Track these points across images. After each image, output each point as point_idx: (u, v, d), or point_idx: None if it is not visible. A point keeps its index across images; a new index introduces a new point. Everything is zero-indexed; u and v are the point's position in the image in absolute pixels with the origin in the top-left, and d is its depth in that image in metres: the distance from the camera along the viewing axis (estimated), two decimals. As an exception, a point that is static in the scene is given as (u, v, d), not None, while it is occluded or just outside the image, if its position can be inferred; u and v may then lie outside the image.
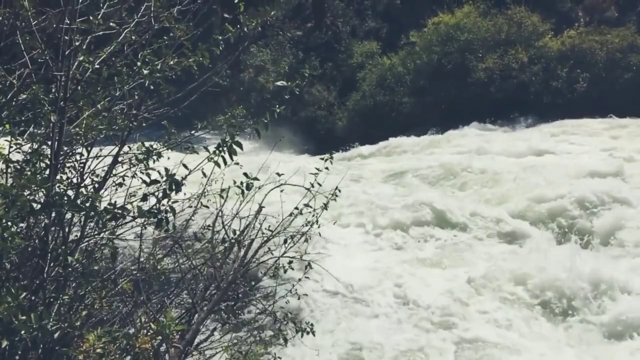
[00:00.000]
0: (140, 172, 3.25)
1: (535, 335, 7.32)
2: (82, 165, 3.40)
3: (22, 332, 2.41)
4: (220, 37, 3.40)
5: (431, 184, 13.52)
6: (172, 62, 3.28)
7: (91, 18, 3.14)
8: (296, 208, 4.36)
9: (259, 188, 3.75)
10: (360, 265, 9.12)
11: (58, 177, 3.04)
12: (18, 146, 3.19)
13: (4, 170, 2.92)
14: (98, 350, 2.65)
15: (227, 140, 3.13)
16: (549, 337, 7.32)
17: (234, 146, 3.13)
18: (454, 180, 13.37)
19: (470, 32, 21.40)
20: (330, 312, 7.69)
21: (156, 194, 3.01)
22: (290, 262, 4.25)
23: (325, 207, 4.44)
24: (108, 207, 2.80)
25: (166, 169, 2.97)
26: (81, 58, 3.04)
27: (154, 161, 3.21)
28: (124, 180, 3.63)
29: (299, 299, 4.69)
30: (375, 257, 9.62)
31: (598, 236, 9.82)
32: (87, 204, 2.69)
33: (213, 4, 3.93)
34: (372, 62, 23.62)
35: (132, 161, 3.38)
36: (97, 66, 3.12)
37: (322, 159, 4.45)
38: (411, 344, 7.13)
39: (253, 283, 4.32)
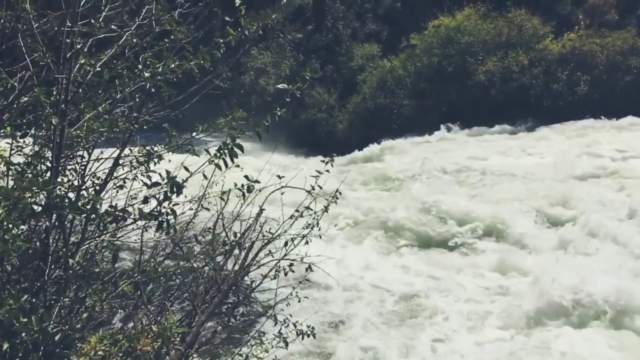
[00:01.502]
0: (141, 175, 3.25)
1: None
2: (83, 167, 3.40)
3: (23, 334, 2.41)
4: (221, 40, 3.40)
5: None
6: (173, 65, 3.28)
7: (92, 21, 3.15)
8: (297, 210, 4.36)
9: (260, 190, 3.75)
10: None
11: (59, 179, 3.04)
12: (19, 148, 3.19)
13: (5, 173, 2.92)
14: (99, 353, 2.65)
15: (228, 142, 3.13)
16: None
17: (235, 149, 3.13)
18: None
19: (470, 34, 21.43)
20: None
21: (157, 196, 3.01)
22: (290, 265, 4.25)
23: (325, 209, 4.44)
24: (109, 209, 2.80)
25: (167, 172, 2.97)
26: (82, 61, 3.04)
27: (155, 164, 3.21)
28: (124, 182, 3.63)
29: (299, 301, 4.68)
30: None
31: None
32: (88, 207, 2.69)
33: (214, 7, 3.93)
34: (373, 64, 23.64)
35: (133, 164, 3.38)
36: (98, 69, 3.12)
37: (323, 161, 4.45)
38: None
39: (253, 286, 4.32)
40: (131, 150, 3.40)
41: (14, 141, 3.12)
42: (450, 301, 8.54)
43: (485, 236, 10.87)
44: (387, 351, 7.35)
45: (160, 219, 2.93)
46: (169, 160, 3.31)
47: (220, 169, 3.17)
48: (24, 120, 3.13)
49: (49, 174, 2.91)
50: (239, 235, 4.11)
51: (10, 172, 2.83)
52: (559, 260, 9.54)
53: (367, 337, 7.69)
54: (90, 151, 3.42)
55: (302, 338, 4.23)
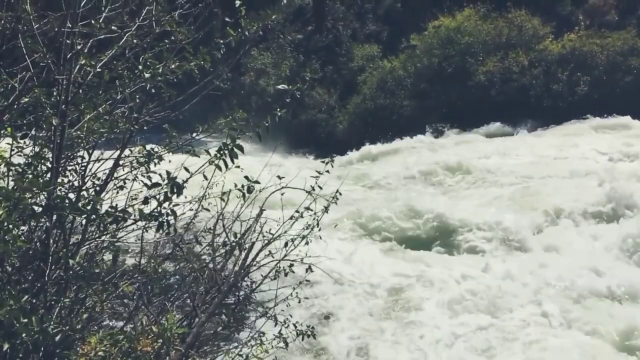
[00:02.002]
0: (142, 175, 3.25)
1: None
2: (83, 168, 3.40)
3: (24, 335, 2.41)
4: (221, 41, 3.41)
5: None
6: (173, 66, 3.28)
7: (93, 22, 3.15)
8: (297, 211, 4.36)
9: (260, 191, 3.75)
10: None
11: (59, 180, 3.04)
12: (20, 149, 3.19)
13: (6, 174, 2.92)
14: (100, 353, 2.65)
15: (228, 143, 3.13)
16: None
17: (235, 149, 3.14)
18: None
19: (470, 35, 21.44)
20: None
21: (157, 197, 3.02)
22: (291, 266, 4.25)
23: (326, 210, 4.44)
24: (109, 210, 2.81)
25: (167, 172, 2.97)
26: (83, 61, 3.04)
27: (155, 164, 3.21)
28: (125, 183, 3.64)
29: (299, 302, 4.68)
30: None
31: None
32: (89, 207, 2.69)
33: (214, 8, 3.93)
34: (373, 65, 23.65)
35: (134, 164, 3.38)
36: (98, 70, 3.12)
37: (323, 162, 4.46)
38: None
39: (254, 286, 4.32)
40: (131, 151, 3.40)
41: (14, 142, 3.12)
42: (432, 293, 8.90)
43: (461, 233, 11.22)
44: (373, 341, 7.67)
45: (160, 220, 2.94)
46: (169, 161, 3.31)
47: (220, 169, 3.17)
48: (25, 121, 3.13)
49: (49, 174, 2.91)
50: (239, 235, 4.12)
51: (10, 173, 2.83)
52: (531, 255, 10.01)
53: (354, 330, 8.02)
54: (90, 152, 3.42)
55: (302, 339, 4.23)
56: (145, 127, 3.49)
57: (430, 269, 9.72)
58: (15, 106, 3.05)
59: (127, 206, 3.22)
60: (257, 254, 4.17)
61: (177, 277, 4.06)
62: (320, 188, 4.35)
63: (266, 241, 4.23)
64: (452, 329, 7.82)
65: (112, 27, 3.24)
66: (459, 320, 8.06)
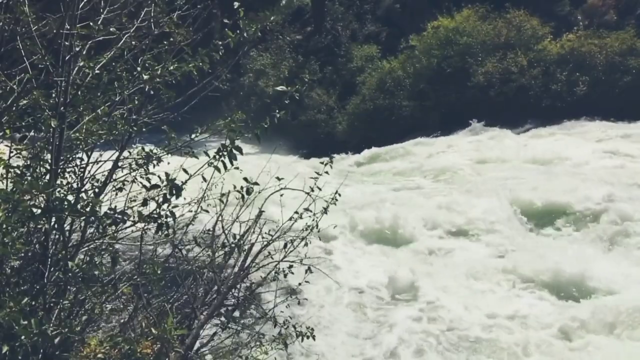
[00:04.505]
0: (141, 177, 3.25)
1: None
2: (82, 170, 3.40)
3: (23, 337, 2.41)
4: (220, 42, 3.41)
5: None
6: (172, 67, 3.28)
7: (91, 23, 3.15)
8: (296, 212, 4.36)
9: (259, 192, 3.75)
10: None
11: (58, 182, 3.04)
12: (18, 151, 3.19)
13: (5, 176, 2.92)
14: (99, 355, 2.65)
15: (227, 145, 3.13)
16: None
17: (234, 151, 3.14)
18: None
19: (469, 35, 21.44)
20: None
21: (156, 198, 3.02)
22: (290, 267, 4.25)
23: (325, 211, 4.44)
24: (108, 212, 2.81)
25: (166, 174, 2.97)
26: (81, 63, 3.04)
27: (154, 166, 3.21)
28: (124, 185, 3.63)
29: (299, 303, 4.68)
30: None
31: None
32: (88, 209, 2.69)
33: (213, 9, 3.93)
34: (372, 65, 23.66)
35: (132, 166, 3.38)
36: (97, 71, 3.12)
37: (322, 162, 4.45)
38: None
39: (253, 287, 4.32)
40: (130, 153, 3.39)
41: (13, 144, 3.12)
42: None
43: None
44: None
45: (159, 221, 2.94)
46: (168, 163, 3.31)
47: (219, 171, 3.17)
48: (23, 123, 3.13)
49: (48, 176, 2.91)
50: (238, 237, 4.12)
51: (9, 175, 2.83)
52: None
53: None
54: (89, 153, 3.42)
55: (302, 339, 4.23)
56: (144, 129, 3.49)
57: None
58: (14, 108, 3.05)
59: (126, 208, 3.22)
60: (257, 255, 4.17)
61: (177, 278, 4.05)
62: (320, 189, 4.34)
63: (265, 242, 4.23)
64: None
65: (111, 29, 3.24)
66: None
